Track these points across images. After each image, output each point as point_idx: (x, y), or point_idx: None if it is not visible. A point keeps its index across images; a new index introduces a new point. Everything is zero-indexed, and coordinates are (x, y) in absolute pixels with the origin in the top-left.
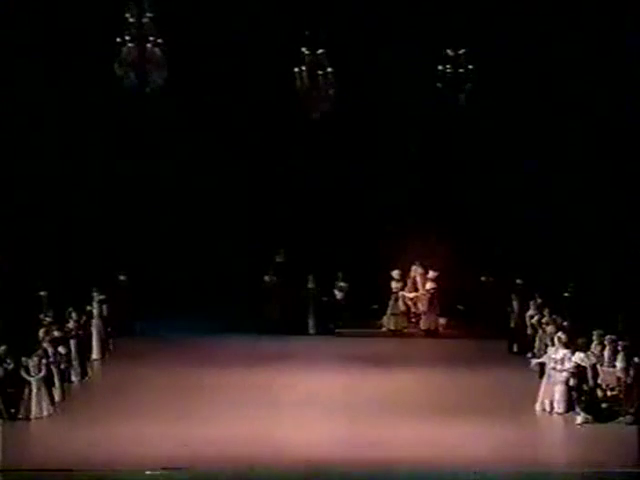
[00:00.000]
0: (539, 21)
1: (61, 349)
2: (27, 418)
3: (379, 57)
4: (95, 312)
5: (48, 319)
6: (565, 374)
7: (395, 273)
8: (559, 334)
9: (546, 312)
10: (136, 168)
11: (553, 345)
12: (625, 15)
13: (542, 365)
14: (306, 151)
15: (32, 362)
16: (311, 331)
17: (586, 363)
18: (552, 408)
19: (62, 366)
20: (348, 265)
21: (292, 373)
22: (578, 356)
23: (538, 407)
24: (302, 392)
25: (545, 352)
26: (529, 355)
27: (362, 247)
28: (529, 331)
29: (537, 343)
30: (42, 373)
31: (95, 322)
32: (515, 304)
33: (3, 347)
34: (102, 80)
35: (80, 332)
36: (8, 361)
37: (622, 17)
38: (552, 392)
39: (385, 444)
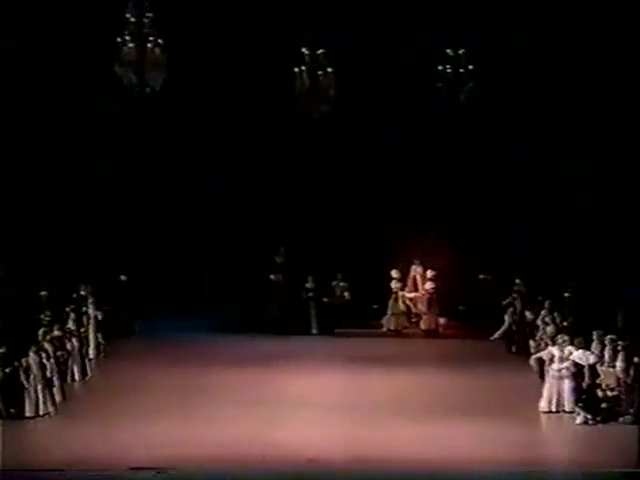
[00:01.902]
0: (539, 21)
1: (62, 348)
2: (27, 418)
3: (379, 57)
4: (91, 312)
5: (48, 319)
6: (565, 372)
7: (394, 272)
8: (561, 336)
9: (546, 312)
10: (135, 168)
11: (554, 345)
12: (626, 15)
13: (542, 365)
14: (306, 151)
15: (32, 362)
16: (312, 331)
17: (583, 361)
18: (559, 406)
19: (62, 366)
20: (348, 265)
21: (292, 373)
22: (576, 354)
23: (545, 407)
24: (302, 392)
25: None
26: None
27: (362, 247)
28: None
29: (537, 343)
30: (42, 373)
31: (92, 322)
32: (517, 304)
33: (3, 348)
34: (102, 80)
35: (80, 331)
36: (8, 361)
37: (623, 17)
38: (558, 390)
39: (385, 444)
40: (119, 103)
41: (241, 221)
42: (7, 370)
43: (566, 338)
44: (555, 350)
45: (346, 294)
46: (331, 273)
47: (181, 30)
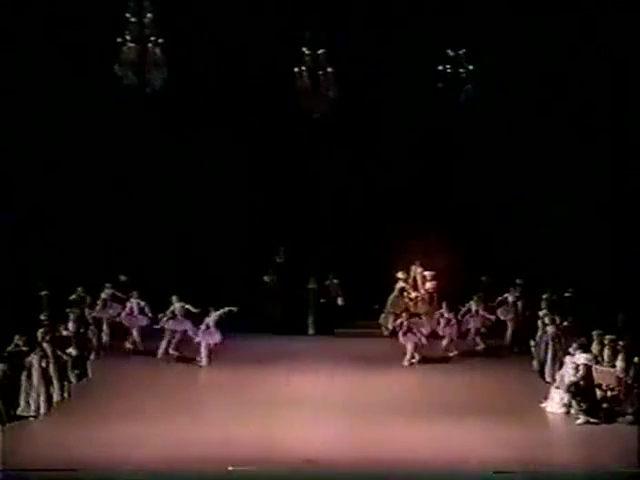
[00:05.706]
0: (539, 21)
1: (61, 348)
2: (27, 418)
3: (379, 57)
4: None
5: (48, 319)
6: (579, 374)
7: (400, 274)
8: (575, 347)
9: (546, 312)
10: (135, 168)
11: (555, 343)
12: (627, 17)
13: (542, 366)
14: (306, 151)
15: (32, 362)
16: (310, 331)
17: (591, 362)
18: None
19: (62, 366)
20: (348, 265)
21: (292, 373)
22: (582, 356)
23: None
24: (301, 392)
25: (545, 352)
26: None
27: (362, 247)
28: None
29: (536, 343)
30: (42, 373)
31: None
32: (519, 304)
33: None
34: (102, 80)
35: (80, 331)
36: (8, 361)
37: (624, 18)
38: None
39: (385, 444)
40: (118, 103)
41: (241, 221)
42: (7, 370)
43: (578, 348)
44: (569, 362)
45: (340, 297)
46: (329, 273)
47: (181, 30)
